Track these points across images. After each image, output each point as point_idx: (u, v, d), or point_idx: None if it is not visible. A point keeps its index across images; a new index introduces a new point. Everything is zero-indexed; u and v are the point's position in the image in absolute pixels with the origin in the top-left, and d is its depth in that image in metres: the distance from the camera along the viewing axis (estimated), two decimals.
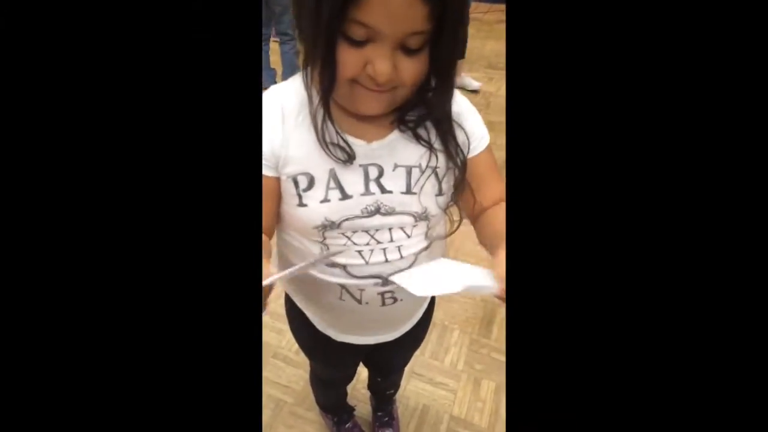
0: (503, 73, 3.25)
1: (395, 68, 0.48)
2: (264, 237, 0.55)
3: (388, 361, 0.98)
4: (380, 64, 0.46)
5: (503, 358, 1.47)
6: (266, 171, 0.57)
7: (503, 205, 0.68)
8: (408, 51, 0.47)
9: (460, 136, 0.59)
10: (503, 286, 0.46)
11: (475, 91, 3.01)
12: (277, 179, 0.58)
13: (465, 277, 0.52)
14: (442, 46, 0.48)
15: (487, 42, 3.84)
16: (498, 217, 0.62)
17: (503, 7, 3.43)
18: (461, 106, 0.61)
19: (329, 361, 0.91)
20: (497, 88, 3.14)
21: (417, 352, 1.00)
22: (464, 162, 0.60)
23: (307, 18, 0.47)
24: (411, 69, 0.49)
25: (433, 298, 0.84)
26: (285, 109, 0.56)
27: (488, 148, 0.65)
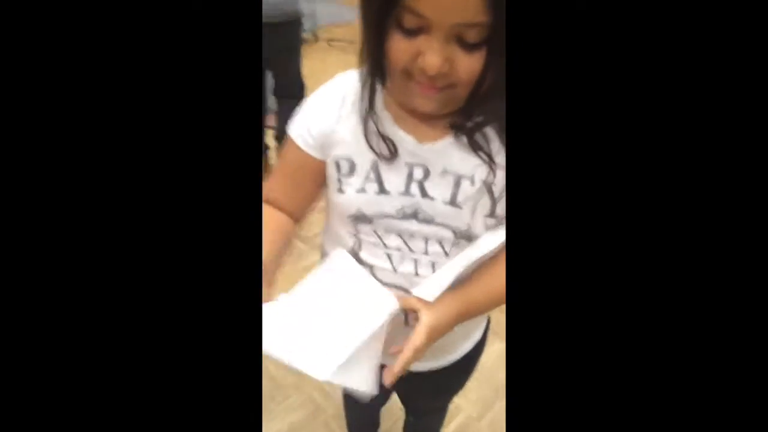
0: None
1: (449, 63, 0.44)
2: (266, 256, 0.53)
3: (418, 398, 0.88)
4: (430, 56, 0.43)
5: None
6: (311, 151, 0.57)
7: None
8: (465, 45, 0.43)
9: None
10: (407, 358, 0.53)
11: None
12: (322, 162, 0.58)
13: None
14: (500, 42, 0.42)
15: None
16: (498, 276, 0.55)
17: None
18: None
19: None
20: None
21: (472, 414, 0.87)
22: None
23: (362, 5, 0.46)
24: (467, 65, 0.44)
25: (484, 337, 0.76)
26: (346, 93, 0.55)
27: None
